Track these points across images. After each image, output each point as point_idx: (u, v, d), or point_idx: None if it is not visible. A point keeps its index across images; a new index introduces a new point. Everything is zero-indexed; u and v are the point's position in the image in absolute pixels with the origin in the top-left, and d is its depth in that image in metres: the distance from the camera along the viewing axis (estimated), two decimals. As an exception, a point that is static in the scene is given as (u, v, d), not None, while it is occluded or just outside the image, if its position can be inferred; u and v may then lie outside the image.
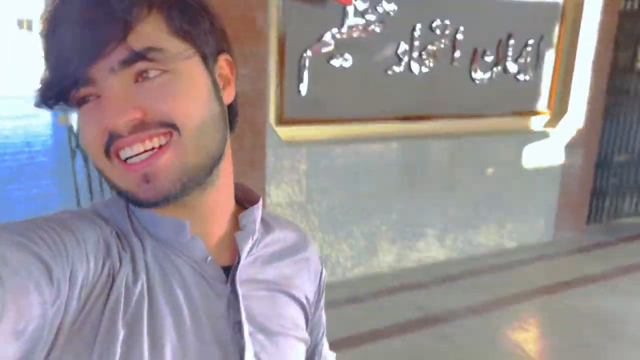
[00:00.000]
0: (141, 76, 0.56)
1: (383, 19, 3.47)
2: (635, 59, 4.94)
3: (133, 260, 0.61)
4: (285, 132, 3.29)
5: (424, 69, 3.72)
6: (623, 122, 5.08)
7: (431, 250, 4.02)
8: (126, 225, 0.64)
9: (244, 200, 0.76)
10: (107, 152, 0.57)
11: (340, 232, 3.61)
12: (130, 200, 0.60)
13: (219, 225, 0.69)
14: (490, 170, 4.17)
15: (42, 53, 0.56)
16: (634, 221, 5.25)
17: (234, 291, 0.66)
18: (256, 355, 0.66)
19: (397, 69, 3.61)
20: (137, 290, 0.59)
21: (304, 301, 0.78)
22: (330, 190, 3.50)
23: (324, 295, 0.85)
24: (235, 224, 0.71)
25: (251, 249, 0.70)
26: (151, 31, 0.56)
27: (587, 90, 4.44)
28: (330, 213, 3.54)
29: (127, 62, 0.55)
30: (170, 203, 0.59)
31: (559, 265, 4.17)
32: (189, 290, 0.63)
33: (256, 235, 0.72)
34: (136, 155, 0.56)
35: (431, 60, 3.73)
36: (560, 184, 4.56)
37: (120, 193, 0.60)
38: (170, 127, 0.57)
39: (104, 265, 0.57)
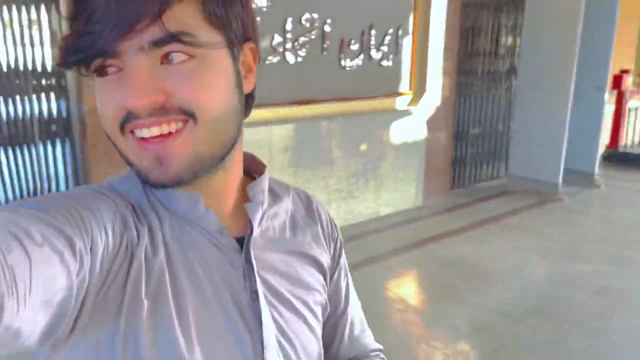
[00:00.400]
0: (167, 59, 0.55)
1: (257, 14, 3.83)
2: (478, 44, 5.74)
3: (151, 233, 0.61)
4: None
5: (298, 59, 4.15)
6: (474, 99, 5.88)
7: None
8: (142, 199, 0.64)
9: (251, 170, 0.75)
10: (121, 127, 0.57)
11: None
12: (142, 178, 0.60)
13: (230, 198, 0.69)
14: (363, 147, 4.71)
15: (66, 12, 0.54)
16: (490, 184, 6.09)
17: (248, 261, 0.67)
18: (275, 321, 0.68)
19: (273, 59, 4.00)
20: (157, 262, 0.60)
21: (322, 262, 0.78)
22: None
23: (343, 255, 0.85)
24: (245, 195, 0.71)
25: (262, 219, 0.71)
26: (185, 14, 0.55)
27: (440, 72, 5.13)
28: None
29: (159, 43, 0.54)
30: (180, 186, 0.60)
31: (426, 225, 4.82)
32: (206, 261, 0.64)
33: (265, 205, 0.72)
34: (152, 137, 0.57)
35: (303, 50, 4.16)
36: (426, 155, 5.23)
37: (133, 168, 0.60)
38: (190, 115, 0.57)
39: (122, 238, 0.57)
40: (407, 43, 4.90)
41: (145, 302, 0.57)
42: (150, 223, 0.62)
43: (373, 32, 4.58)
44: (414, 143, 5.11)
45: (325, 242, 0.80)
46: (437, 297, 3.58)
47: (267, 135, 4.05)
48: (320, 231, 0.80)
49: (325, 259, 0.79)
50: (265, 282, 0.68)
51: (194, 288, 0.62)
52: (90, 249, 0.52)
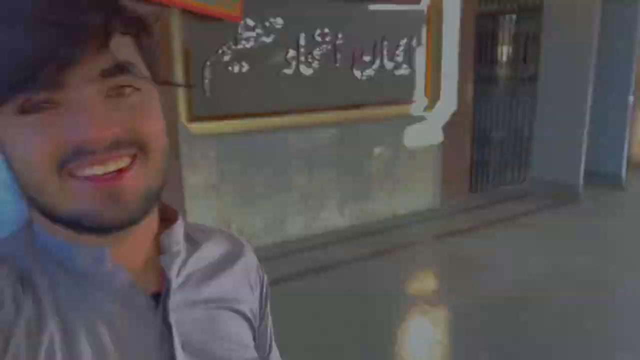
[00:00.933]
0: (115, 91, 0.52)
1: (271, 31, 4.27)
2: (497, 50, 5.94)
3: (36, 304, 0.54)
4: (196, 128, 4.04)
5: (311, 70, 4.55)
6: (495, 104, 6.06)
7: (333, 219, 4.83)
8: (29, 262, 0.56)
9: (162, 218, 0.66)
10: (60, 169, 0.51)
11: (251, 208, 4.37)
12: (83, 225, 0.53)
13: (143, 249, 0.63)
14: (378, 150, 5.02)
15: None
16: (511, 188, 6.22)
17: (165, 320, 0.60)
18: None
19: (287, 71, 4.42)
20: (46, 338, 0.52)
21: (248, 313, 0.72)
22: (239, 173, 4.27)
23: (268, 302, 0.79)
24: (158, 246, 0.64)
25: (179, 271, 0.64)
26: (125, 45, 0.53)
27: (456, 79, 5.38)
28: (241, 192, 4.30)
29: (109, 73, 0.51)
30: (129, 227, 0.55)
31: (438, 224, 5.06)
32: (113, 326, 0.57)
33: (182, 256, 0.65)
34: (106, 173, 0.52)
35: (317, 62, 4.56)
36: (442, 159, 5.47)
37: (62, 218, 0.53)
38: (141, 148, 0.53)
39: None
40: (420, 52, 5.19)
41: None
42: (37, 291, 0.54)
43: (385, 43, 4.91)
44: (430, 147, 5.37)
45: (252, 288, 0.75)
46: (443, 287, 3.84)
47: (281, 139, 4.47)
48: (247, 275, 0.74)
49: (255, 306, 0.75)
50: (186, 341, 0.61)
51: (97, 358, 0.55)
52: None
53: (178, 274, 0.63)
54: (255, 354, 0.71)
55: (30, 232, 0.60)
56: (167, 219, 0.67)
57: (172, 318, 0.61)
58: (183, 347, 0.61)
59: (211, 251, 0.71)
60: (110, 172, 0.52)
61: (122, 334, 0.57)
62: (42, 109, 0.49)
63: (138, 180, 0.54)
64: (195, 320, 0.64)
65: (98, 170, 0.51)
